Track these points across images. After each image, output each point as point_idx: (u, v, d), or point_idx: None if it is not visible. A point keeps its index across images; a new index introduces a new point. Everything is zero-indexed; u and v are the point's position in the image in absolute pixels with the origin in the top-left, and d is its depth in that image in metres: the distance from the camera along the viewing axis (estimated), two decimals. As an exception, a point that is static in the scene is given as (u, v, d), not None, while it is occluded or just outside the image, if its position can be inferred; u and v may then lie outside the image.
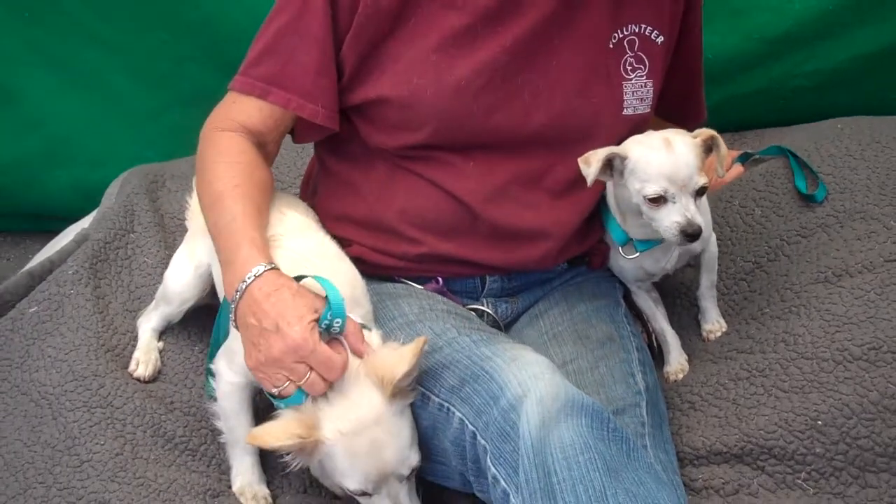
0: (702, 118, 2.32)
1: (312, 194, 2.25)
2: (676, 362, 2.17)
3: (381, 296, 2.04)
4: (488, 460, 1.70)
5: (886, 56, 2.73)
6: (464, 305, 2.09)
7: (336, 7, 1.93)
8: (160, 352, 2.21)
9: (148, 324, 2.22)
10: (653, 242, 2.06)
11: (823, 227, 2.27)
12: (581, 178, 1.96)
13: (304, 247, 1.99)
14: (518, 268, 2.09)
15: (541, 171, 2.03)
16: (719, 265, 2.26)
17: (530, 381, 1.69)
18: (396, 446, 1.78)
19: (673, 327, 2.23)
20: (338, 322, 1.75)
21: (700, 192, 1.92)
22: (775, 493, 1.87)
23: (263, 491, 1.97)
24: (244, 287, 1.77)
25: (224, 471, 2.01)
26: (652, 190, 1.90)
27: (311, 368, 1.71)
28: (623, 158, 1.94)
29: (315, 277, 1.80)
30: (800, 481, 1.87)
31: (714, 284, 2.22)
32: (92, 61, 3.21)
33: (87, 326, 2.20)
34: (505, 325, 2.15)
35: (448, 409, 1.79)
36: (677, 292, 2.33)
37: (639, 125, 2.07)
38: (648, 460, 1.71)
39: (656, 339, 2.22)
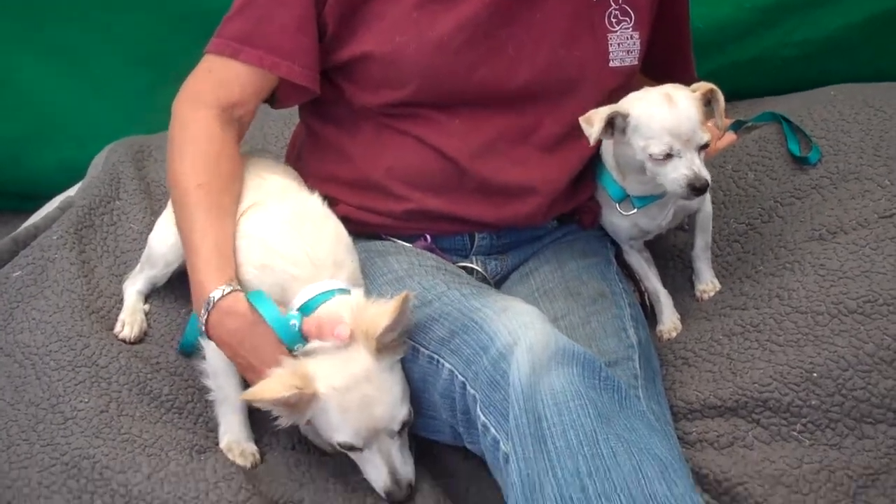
0: (691, 74, 2.29)
1: (297, 159, 2.23)
2: (669, 321, 2.14)
3: (370, 253, 2.01)
4: (478, 409, 1.67)
5: (879, 23, 2.72)
6: (453, 263, 2.07)
7: None
8: (146, 314, 2.18)
9: (133, 286, 2.19)
10: (651, 198, 2.04)
11: (817, 189, 2.25)
12: (569, 134, 1.95)
13: (287, 210, 1.97)
14: (506, 224, 2.07)
15: (528, 127, 2.01)
16: (712, 228, 2.23)
17: (520, 329, 1.67)
18: (386, 402, 1.77)
19: (666, 289, 2.20)
20: (293, 322, 1.78)
21: (703, 148, 1.90)
22: (770, 445, 1.84)
23: (251, 447, 1.93)
24: (210, 308, 1.81)
25: (211, 428, 1.97)
26: (658, 149, 1.88)
27: None
28: (625, 116, 1.91)
29: (249, 296, 1.81)
30: (795, 433, 1.84)
31: (709, 245, 2.20)
32: (78, 40, 3.19)
33: (72, 289, 2.17)
34: (495, 283, 2.13)
35: (438, 361, 1.76)
36: (670, 254, 2.30)
37: (627, 78, 2.05)
38: (641, 408, 1.69)
39: (649, 298, 2.19)
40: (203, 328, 1.83)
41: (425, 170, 1.99)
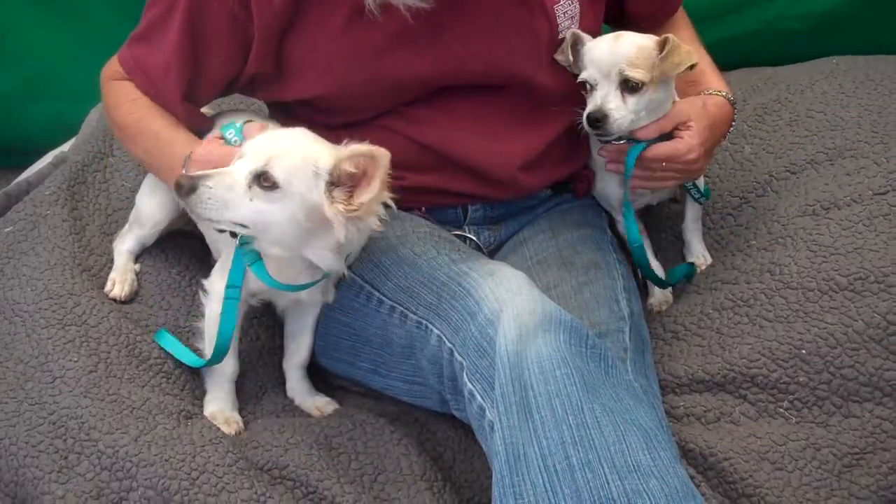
0: (672, 4, 2.25)
1: None
2: (660, 294, 2.14)
3: None
4: (465, 376, 1.67)
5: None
6: (448, 231, 2.06)
7: (234, 21, 1.88)
8: (137, 274, 2.17)
9: (123, 245, 2.18)
10: (644, 144, 2.01)
11: (813, 164, 2.24)
12: (543, 105, 2.00)
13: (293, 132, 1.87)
14: (497, 196, 2.06)
15: (499, 106, 2.00)
16: (706, 200, 2.22)
17: (507, 295, 1.67)
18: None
19: (658, 261, 2.19)
20: (230, 133, 1.79)
21: (631, 88, 1.91)
22: (757, 421, 1.85)
23: (236, 416, 1.94)
24: (189, 159, 1.83)
25: (198, 396, 1.98)
26: (582, 76, 1.94)
27: None
28: (583, 44, 1.96)
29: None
30: (782, 410, 1.85)
31: (699, 218, 2.20)
32: (76, -6, 3.16)
33: (63, 247, 2.16)
34: (489, 253, 2.12)
35: (426, 326, 1.76)
36: (662, 226, 2.30)
37: None
38: (627, 378, 1.69)
39: (641, 270, 2.18)
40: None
41: (409, 157, 1.97)
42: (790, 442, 1.80)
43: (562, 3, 1.99)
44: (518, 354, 1.59)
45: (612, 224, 2.19)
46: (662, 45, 1.91)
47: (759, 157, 2.33)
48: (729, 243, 2.20)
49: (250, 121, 1.82)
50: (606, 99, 1.92)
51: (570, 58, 1.97)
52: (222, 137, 1.83)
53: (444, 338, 1.72)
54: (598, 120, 1.91)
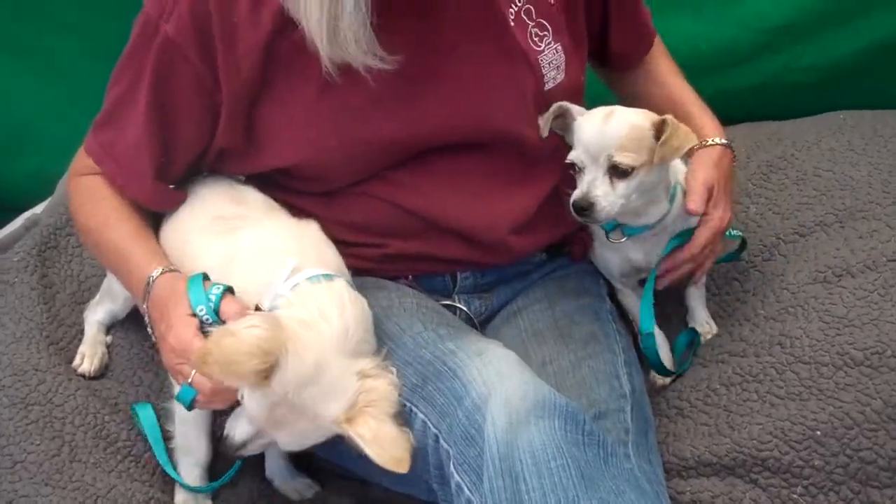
0: (649, 38, 2.15)
1: None
2: (665, 364, 2.01)
3: None
4: (451, 466, 1.55)
5: (890, 49, 2.59)
6: (437, 302, 1.94)
7: (201, 87, 1.77)
8: (108, 346, 2.06)
9: (94, 316, 2.07)
10: (642, 228, 1.92)
11: (822, 226, 2.13)
12: (532, 162, 1.88)
13: (280, 227, 1.81)
14: (487, 262, 1.94)
15: (485, 166, 1.88)
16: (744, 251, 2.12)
17: (496, 378, 1.55)
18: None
19: (661, 331, 2.07)
20: (201, 309, 1.62)
21: (621, 174, 1.79)
22: (769, 508, 1.72)
23: None
24: (150, 285, 1.72)
25: (168, 481, 1.85)
26: (569, 158, 1.82)
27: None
28: (573, 119, 1.84)
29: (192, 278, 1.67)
30: (796, 496, 1.72)
31: (703, 285, 2.08)
32: (57, 45, 3.04)
33: (31, 318, 2.06)
34: (480, 323, 2.00)
35: (410, 409, 1.64)
36: (665, 293, 2.15)
37: (566, 95, 1.90)
38: (628, 467, 1.58)
39: (648, 362, 2.06)
40: (146, 316, 1.73)
41: (391, 222, 1.87)
42: (805, 533, 1.67)
43: (546, 53, 1.87)
44: (508, 444, 1.47)
45: (613, 292, 2.07)
46: (660, 127, 1.80)
47: (765, 218, 2.22)
48: (735, 311, 2.08)
49: (226, 290, 1.64)
50: (593, 185, 1.79)
51: (545, 132, 1.85)
52: (192, 312, 1.64)
53: (429, 423, 1.60)
54: (584, 209, 1.79)
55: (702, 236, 1.90)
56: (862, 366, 1.79)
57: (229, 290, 1.64)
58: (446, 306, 1.95)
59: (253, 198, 1.88)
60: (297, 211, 1.89)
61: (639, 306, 2.03)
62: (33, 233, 2.27)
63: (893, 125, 2.36)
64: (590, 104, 1.90)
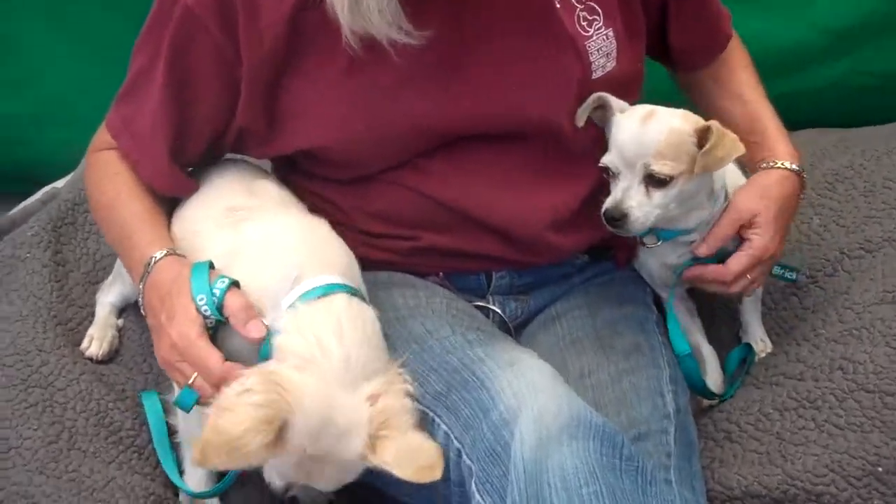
0: (721, 37, 1.98)
1: None
2: (714, 383, 1.86)
3: (374, 285, 1.74)
4: (473, 485, 1.42)
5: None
6: (469, 303, 1.81)
7: (221, 58, 1.66)
8: (119, 330, 1.94)
9: (106, 297, 1.96)
10: (679, 232, 1.78)
11: (891, 242, 1.97)
12: (574, 156, 1.75)
13: (289, 223, 1.70)
14: (525, 260, 1.80)
15: (525, 158, 1.74)
16: (802, 276, 1.97)
17: (528, 391, 1.42)
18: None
19: (711, 346, 1.93)
20: (201, 298, 1.51)
21: (658, 182, 1.65)
22: (823, 549, 1.58)
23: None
24: (150, 268, 1.62)
25: (172, 475, 1.73)
26: (604, 159, 1.69)
27: None
28: (613, 114, 1.70)
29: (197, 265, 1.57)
30: (852, 537, 1.57)
31: (759, 297, 1.93)
32: (96, 18, 2.97)
33: (40, 295, 1.94)
34: (515, 328, 1.86)
35: (433, 418, 1.51)
36: (716, 305, 2.03)
37: (617, 85, 1.75)
38: (670, 498, 1.44)
39: (690, 386, 1.91)
40: (141, 297, 1.63)
41: (422, 214, 1.74)
42: (862, 580, 1.53)
43: (594, 38, 1.72)
44: (537, 464, 1.34)
45: (658, 301, 1.92)
46: (704, 134, 1.65)
47: (829, 231, 2.07)
48: (793, 329, 1.93)
49: (232, 284, 1.53)
50: (628, 194, 1.66)
51: (581, 122, 1.71)
52: (192, 300, 1.53)
53: (451, 435, 1.47)
54: (616, 219, 1.65)
55: (736, 263, 1.74)
56: (931, 398, 1.63)
57: (235, 284, 1.53)
58: (479, 308, 1.81)
59: (269, 190, 1.76)
60: (324, 200, 1.78)
61: (686, 317, 1.91)
62: (50, 207, 2.17)
63: (969, 135, 2.21)
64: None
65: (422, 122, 1.68)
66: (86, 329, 1.93)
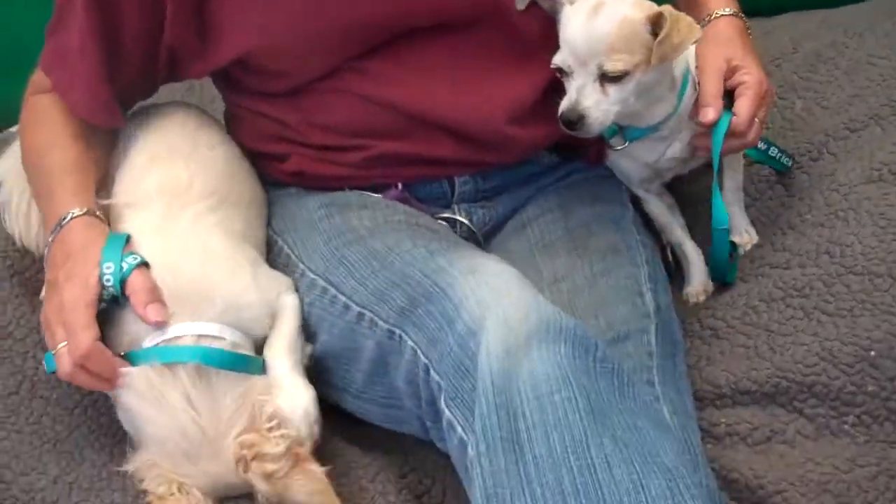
0: None
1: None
2: (698, 281, 1.79)
3: (330, 208, 1.69)
4: (443, 401, 1.36)
5: None
6: (433, 215, 1.74)
7: None
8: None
9: None
10: (647, 130, 1.69)
11: (877, 120, 1.88)
12: (526, 47, 1.66)
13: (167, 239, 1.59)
14: (487, 160, 1.72)
15: (474, 50, 1.66)
16: (749, 166, 1.87)
17: (492, 297, 1.35)
18: None
19: (694, 241, 1.85)
20: (108, 267, 1.46)
21: (613, 78, 1.55)
22: (817, 440, 1.52)
23: None
24: (57, 232, 1.55)
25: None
26: (555, 58, 1.58)
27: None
28: (562, 4, 1.60)
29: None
30: (847, 426, 1.52)
31: (740, 186, 1.84)
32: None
33: (-6, 239, 1.88)
34: (484, 236, 1.79)
35: (399, 336, 1.44)
36: (697, 199, 1.94)
37: None
38: (648, 399, 1.38)
39: (672, 253, 1.85)
40: (47, 249, 1.57)
41: (372, 120, 1.66)
42: (858, 468, 1.47)
43: None
44: (506, 374, 1.27)
45: (635, 198, 1.84)
46: (656, 21, 1.55)
47: (813, 114, 1.98)
48: (778, 217, 1.84)
49: (142, 263, 1.47)
50: (583, 93, 1.55)
51: (521, 5, 1.61)
52: (98, 266, 1.47)
53: (419, 351, 1.41)
54: (574, 122, 1.56)
55: (744, 106, 1.63)
56: (923, 275, 1.57)
57: (146, 265, 1.48)
58: (446, 219, 1.75)
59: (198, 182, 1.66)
60: (271, 120, 1.72)
61: (667, 214, 1.83)
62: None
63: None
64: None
65: (362, 15, 1.60)
66: (44, 277, 1.86)
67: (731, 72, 1.65)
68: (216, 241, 1.57)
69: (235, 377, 1.45)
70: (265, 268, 1.63)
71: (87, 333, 1.43)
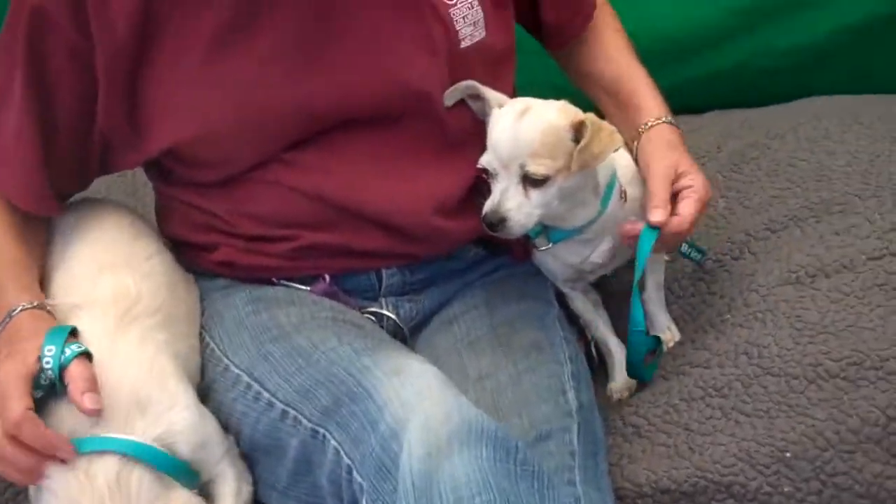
0: (587, 9, 1.93)
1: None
2: (622, 378, 1.81)
3: (257, 304, 1.69)
4: (364, 502, 1.36)
5: (875, 28, 2.42)
6: (360, 309, 1.75)
7: (75, 55, 1.59)
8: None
9: None
10: (571, 232, 1.71)
11: (796, 221, 1.94)
12: (454, 141, 1.70)
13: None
14: (414, 252, 1.74)
15: (403, 143, 1.69)
16: (673, 263, 1.92)
17: (415, 399, 1.36)
18: None
19: (619, 336, 1.87)
20: (50, 350, 1.42)
21: (535, 182, 1.58)
22: (734, 540, 1.54)
23: None
24: (6, 324, 1.51)
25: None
26: (482, 159, 1.62)
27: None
28: (490, 108, 1.65)
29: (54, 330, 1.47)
30: (763, 527, 1.53)
31: (661, 286, 1.87)
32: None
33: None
34: (410, 330, 1.80)
35: (323, 435, 1.45)
36: (621, 295, 1.96)
37: (490, 57, 1.72)
38: (569, 500, 1.39)
39: (596, 349, 1.87)
40: None
41: (300, 211, 1.67)
42: (774, 569, 1.49)
43: (458, 6, 1.67)
44: (427, 476, 1.28)
45: (561, 295, 1.87)
46: (579, 129, 1.59)
47: (735, 213, 2.03)
48: (700, 316, 1.88)
49: (85, 353, 1.44)
50: (506, 195, 1.58)
51: (449, 102, 1.67)
52: (39, 349, 1.44)
53: (342, 451, 1.41)
54: (495, 224, 1.58)
55: (686, 207, 1.67)
56: (837, 378, 1.60)
57: (88, 356, 1.44)
58: (373, 314, 1.75)
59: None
60: (202, 212, 1.72)
61: (591, 311, 1.86)
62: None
63: (874, 111, 2.18)
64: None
65: (290, 108, 1.62)
66: None
67: (677, 177, 1.69)
68: (165, 360, 1.54)
69: (157, 492, 1.41)
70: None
71: (19, 403, 1.38)
